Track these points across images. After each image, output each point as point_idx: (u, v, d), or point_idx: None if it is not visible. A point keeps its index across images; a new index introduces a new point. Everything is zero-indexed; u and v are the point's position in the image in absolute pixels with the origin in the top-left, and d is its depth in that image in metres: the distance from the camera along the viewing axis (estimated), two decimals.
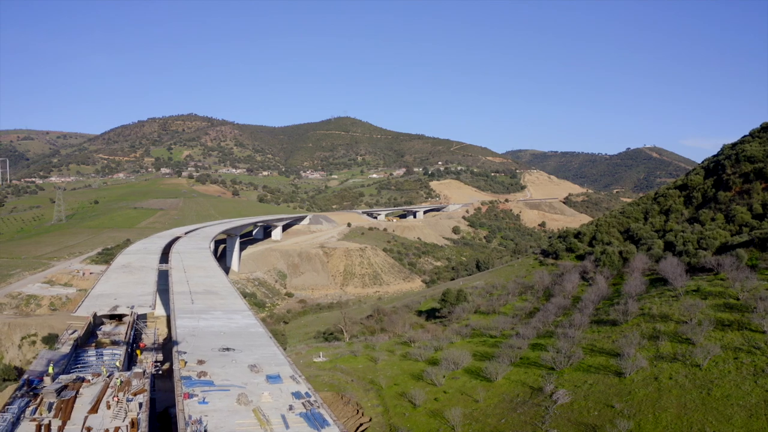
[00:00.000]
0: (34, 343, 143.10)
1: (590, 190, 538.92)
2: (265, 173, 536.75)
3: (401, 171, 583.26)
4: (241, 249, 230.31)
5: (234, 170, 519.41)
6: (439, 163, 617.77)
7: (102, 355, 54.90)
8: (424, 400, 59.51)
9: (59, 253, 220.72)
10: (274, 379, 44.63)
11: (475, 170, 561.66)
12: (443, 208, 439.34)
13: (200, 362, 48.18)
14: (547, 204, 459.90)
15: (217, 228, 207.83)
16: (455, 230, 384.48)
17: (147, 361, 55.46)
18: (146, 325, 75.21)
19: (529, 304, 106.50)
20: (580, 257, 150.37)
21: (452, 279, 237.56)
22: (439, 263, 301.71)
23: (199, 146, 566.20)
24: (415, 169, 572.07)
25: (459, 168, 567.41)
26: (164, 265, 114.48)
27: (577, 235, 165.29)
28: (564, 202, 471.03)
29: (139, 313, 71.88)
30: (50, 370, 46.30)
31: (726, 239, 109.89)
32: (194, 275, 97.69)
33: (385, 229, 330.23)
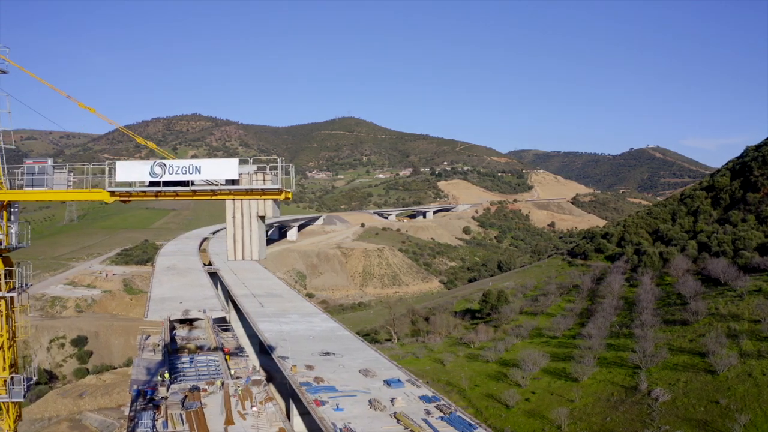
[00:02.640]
0: (63, 345, 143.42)
1: (597, 191, 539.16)
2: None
3: (407, 171, 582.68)
4: None
5: None
6: (445, 163, 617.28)
7: (196, 361, 54.09)
8: (517, 400, 59.29)
9: (77, 253, 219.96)
10: (395, 383, 44.16)
11: (481, 170, 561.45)
12: (452, 208, 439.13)
13: (309, 367, 47.61)
14: (555, 204, 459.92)
15: None
16: (466, 230, 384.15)
17: (239, 366, 54.75)
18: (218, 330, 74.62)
19: (577, 305, 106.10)
20: (610, 258, 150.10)
21: (471, 280, 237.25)
22: (453, 263, 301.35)
23: (204, 146, 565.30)
24: (422, 169, 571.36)
25: (466, 168, 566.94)
26: (207, 266, 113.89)
27: (605, 235, 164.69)
28: (572, 203, 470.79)
29: (213, 317, 71.16)
30: (166, 376, 45.47)
31: (761, 240, 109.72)
32: (246, 277, 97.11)
33: (398, 230, 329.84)
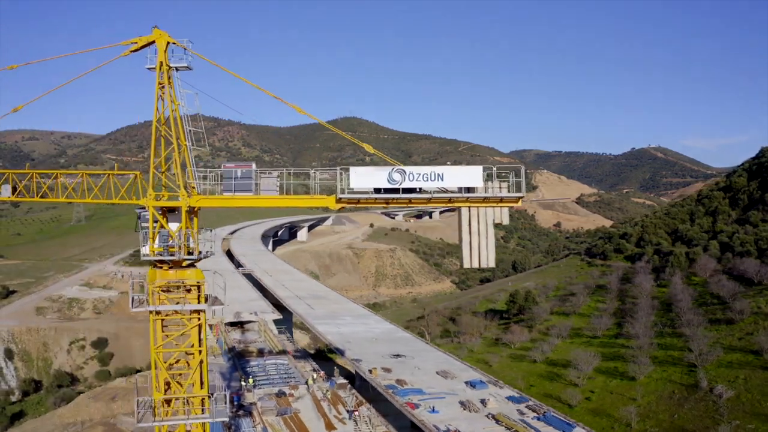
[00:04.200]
0: (83, 347, 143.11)
1: (601, 191, 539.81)
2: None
3: None
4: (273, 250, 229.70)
5: None
6: (448, 163, 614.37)
7: (265, 365, 53.89)
8: (579, 400, 59.70)
9: (88, 254, 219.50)
10: (478, 384, 44.40)
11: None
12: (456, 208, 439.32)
13: (386, 370, 47.69)
14: (560, 204, 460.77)
15: (255, 229, 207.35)
16: None
17: (305, 369, 54.78)
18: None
19: (608, 305, 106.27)
20: (630, 258, 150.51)
21: (484, 280, 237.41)
22: (458, 263, 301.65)
23: (206, 146, 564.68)
24: None
25: None
26: (241, 268, 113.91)
27: (623, 236, 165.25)
28: (577, 203, 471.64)
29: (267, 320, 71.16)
30: (250, 381, 45.40)
31: None
32: (282, 279, 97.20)
33: (407, 230, 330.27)
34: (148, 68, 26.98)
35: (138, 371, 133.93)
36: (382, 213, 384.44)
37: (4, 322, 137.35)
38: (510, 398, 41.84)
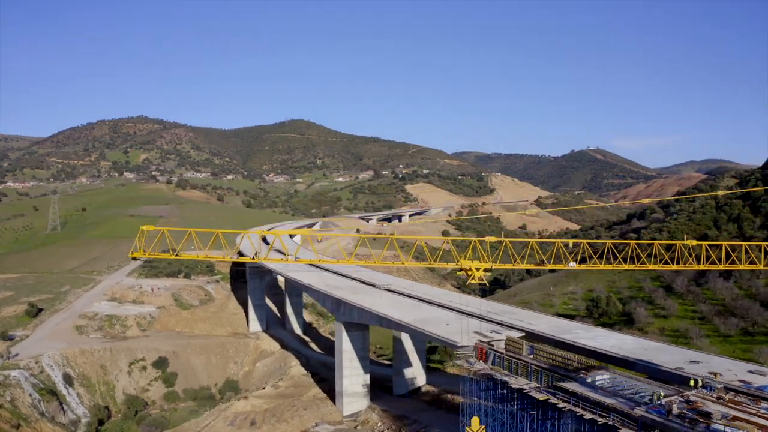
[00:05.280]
0: (144, 368, 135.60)
1: (556, 193, 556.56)
2: (230, 177, 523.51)
3: (365, 174, 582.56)
4: None
5: (198, 174, 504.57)
6: (400, 166, 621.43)
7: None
8: None
9: (91, 266, 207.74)
10: None
11: (442, 174, 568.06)
12: (425, 211, 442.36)
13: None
14: (522, 207, 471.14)
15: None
16: (444, 234, 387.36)
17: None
18: None
19: (706, 306, 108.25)
20: (665, 262, 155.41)
21: (482, 284, 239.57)
22: (450, 267, 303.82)
23: (155, 149, 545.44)
24: (384, 173, 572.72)
25: (426, 171, 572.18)
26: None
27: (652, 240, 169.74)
28: (536, 205, 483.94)
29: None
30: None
31: None
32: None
33: (391, 234, 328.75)
34: None
35: (205, 387, 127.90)
36: (359, 217, 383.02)
37: (51, 344, 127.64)
38: None
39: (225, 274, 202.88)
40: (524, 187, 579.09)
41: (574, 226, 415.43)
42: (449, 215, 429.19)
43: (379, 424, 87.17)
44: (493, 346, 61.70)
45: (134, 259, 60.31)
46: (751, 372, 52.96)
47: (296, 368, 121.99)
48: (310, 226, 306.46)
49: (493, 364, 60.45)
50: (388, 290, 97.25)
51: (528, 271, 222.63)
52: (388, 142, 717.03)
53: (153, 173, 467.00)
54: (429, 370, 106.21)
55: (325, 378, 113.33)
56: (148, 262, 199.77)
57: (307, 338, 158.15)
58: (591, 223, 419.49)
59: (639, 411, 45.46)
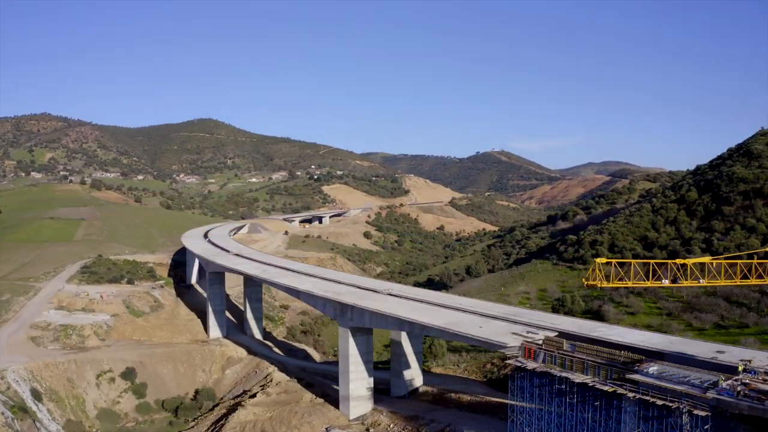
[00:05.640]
0: (112, 380, 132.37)
1: (469, 194, 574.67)
2: (140, 177, 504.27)
3: (279, 175, 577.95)
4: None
5: (107, 174, 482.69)
6: (313, 167, 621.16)
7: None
8: None
9: (24, 272, 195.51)
10: None
11: (357, 175, 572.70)
12: (345, 213, 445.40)
13: None
14: (438, 208, 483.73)
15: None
16: (366, 235, 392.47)
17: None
18: None
19: (669, 304, 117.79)
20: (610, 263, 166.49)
21: (419, 284, 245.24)
22: (380, 269, 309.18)
23: (61, 148, 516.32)
24: (298, 173, 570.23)
25: (340, 172, 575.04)
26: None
27: (593, 243, 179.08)
28: (452, 206, 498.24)
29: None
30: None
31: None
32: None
33: (319, 236, 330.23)
34: None
35: (193, 399, 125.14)
36: (283, 219, 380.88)
37: (10, 357, 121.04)
38: None
39: (167, 279, 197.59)
40: (437, 188, 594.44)
41: (490, 227, 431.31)
42: (368, 216, 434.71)
43: (392, 425, 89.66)
44: (541, 345, 66.30)
45: (590, 287, 64.69)
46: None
47: (277, 374, 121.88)
48: (239, 228, 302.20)
49: (543, 362, 65.08)
50: (390, 294, 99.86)
51: (468, 271, 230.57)
52: (299, 142, 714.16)
53: (62, 173, 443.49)
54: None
55: (312, 383, 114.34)
56: (86, 268, 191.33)
57: (269, 343, 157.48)
58: (504, 224, 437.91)
59: (711, 394, 51.47)
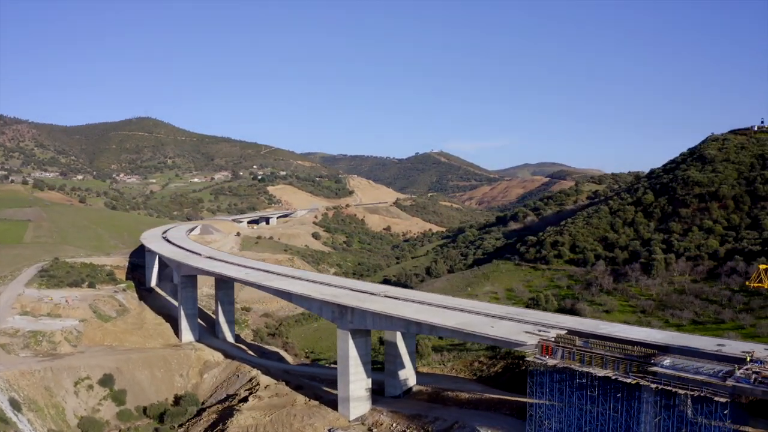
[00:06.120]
0: (91, 387, 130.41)
1: (413, 195, 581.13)
2: (80, 177, 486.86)
3: (220, 175, 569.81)
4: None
5: (46, 174, 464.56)
6: (255, 166, 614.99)
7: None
8: None
9: None
10: None
11: (300, 175, 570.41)
12: (292, 213, 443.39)
13: None
14: (383, 208, 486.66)
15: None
16: (315, 236, 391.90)
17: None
18: None
19: (642, 302, 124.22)
20: (573, 262, 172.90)
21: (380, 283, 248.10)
22: (333, 270, 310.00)
23: None
24: (240, 173, 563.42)
25: (283, 173, 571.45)
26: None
27: (554, 244, 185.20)
28: (397, 206, 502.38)
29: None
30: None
31: (716, 247, 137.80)
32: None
33: (270, 237, 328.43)
34: None
35: (167, 409, 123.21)
36: (233, 220, 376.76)
37: None
38: None
39: (128, 282, 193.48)
40: (380, 189, 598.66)
41: (436, 227, 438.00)
42: (315, 217, 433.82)
43: (394, 425, 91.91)
44: (558, 343, 70.29)
45: (755, 289, 69.46)
46: (766, 349, 65.67)
47: (263, 378, 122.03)
48: (191, 230, 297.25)
49: (561, 358, 69.09)
50: (387, 296, 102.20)
51: (428, 271, 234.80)
52: (240, 142, 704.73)
53: (1, 172, 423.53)
54: None
55: (301, 385, 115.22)
56: (44, 272, 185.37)
57: (243, 346, 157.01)
58: (450, 225, 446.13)
59: (730, 382, 56.52)
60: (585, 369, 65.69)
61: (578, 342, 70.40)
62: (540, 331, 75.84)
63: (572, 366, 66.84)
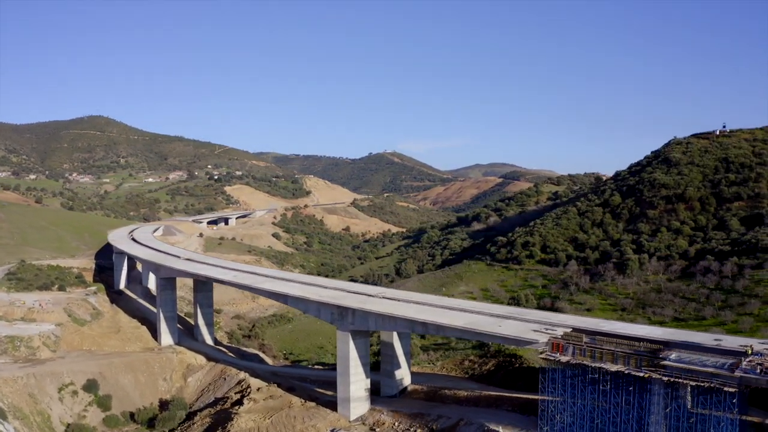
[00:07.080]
0: (75, 393, 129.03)
1: (370, 195, 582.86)
2: (32, 177, 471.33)
3: (175, 175, 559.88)
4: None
5: None
6: (209, 166, 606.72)
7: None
8: None
9: None
10: None
11: (256, 175, 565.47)
12: (250, 214, 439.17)
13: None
14: (341, 209, 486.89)
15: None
16: (276, 236, 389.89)
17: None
18: None
19: (621, 300, 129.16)
20: (545, 262, 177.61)
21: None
22: (297, 270, 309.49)
23: None
24: (196, 173, 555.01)
25: (239, 173, 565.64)
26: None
27: (525, 244, 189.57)
28: (355, 207, 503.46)
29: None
30: None
31: (685, 247, 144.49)
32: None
33: (233, 238, 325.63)
34: None
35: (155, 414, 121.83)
36: (193, 220, 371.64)
37: None
38: None
39: (99, 285, 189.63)
40: (336, 189, 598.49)
41: (395, 228, 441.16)
42: (274, 218, 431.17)
43: (396, 424, 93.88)
44: (568, 340, 73.71)
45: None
46: (761, 343, 70.30)
47: (253, 380, 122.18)
48: (155, 230, 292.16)
49: (572, 354, 72.50)
50: (385, 297, 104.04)
51: (397, 271, 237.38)
52: (193, 141, 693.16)
53: None
54: None
55: (293, 387, 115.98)
56: (12, 275, 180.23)
57: (223, 349, 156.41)
58: (408, 225, 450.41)
59: (739, 373, 60.78)
60: (597, 365, 69.10)
61: (585, 339, 73.94)
62: (547, 329, 79.02)
63: (585, 362, 70.22)
